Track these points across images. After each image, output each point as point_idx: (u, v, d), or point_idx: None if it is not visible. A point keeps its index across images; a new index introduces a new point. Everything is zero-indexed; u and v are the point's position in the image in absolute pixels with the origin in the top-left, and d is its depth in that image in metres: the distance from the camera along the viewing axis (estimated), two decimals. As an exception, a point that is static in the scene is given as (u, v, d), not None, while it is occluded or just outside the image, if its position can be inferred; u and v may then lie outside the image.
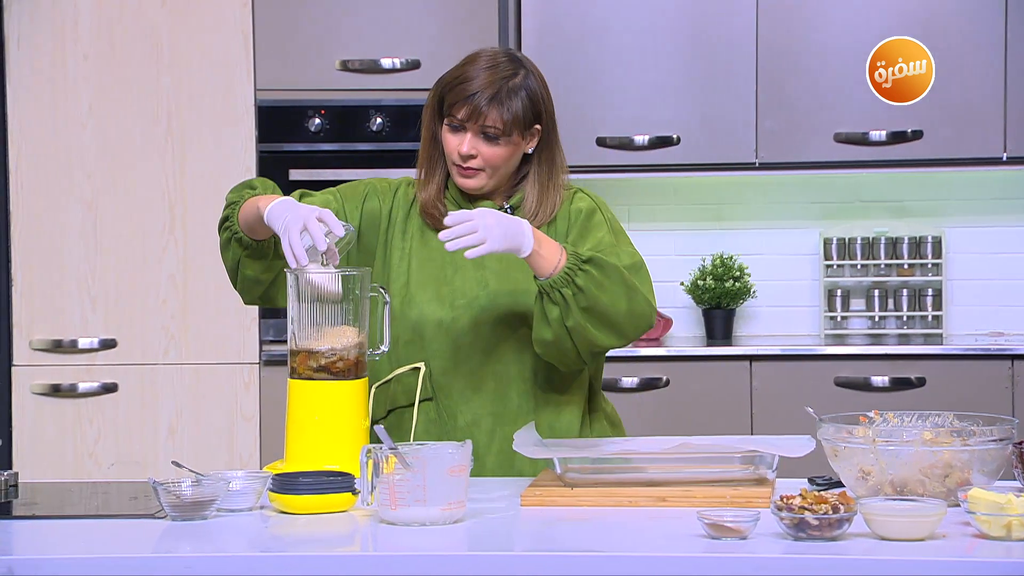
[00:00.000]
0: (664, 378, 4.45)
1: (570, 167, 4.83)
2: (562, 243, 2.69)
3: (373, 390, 2.77)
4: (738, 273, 4.72)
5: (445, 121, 2.74)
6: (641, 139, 4.57)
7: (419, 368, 2.74)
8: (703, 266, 4.77)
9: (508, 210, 2.78)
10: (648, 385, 4.45)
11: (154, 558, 2.13)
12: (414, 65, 4.49)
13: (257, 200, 2.67)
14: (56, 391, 4.46)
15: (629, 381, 4.45)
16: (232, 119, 4.46)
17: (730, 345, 4.56)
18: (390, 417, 2.79)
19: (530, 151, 2.77)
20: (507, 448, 2.69)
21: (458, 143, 2.72)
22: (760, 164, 4.56)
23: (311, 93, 4.48)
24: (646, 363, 4.46)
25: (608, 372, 4.45)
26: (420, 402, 2.75)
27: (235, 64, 4.44)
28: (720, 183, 4.87)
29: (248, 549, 2.21)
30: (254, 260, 2.74)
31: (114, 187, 4.47)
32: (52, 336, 4.47)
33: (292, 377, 2.60)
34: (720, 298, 4.71)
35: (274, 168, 4.47)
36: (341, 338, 2.59)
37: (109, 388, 4.46)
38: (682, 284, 4.81)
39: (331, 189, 2.87)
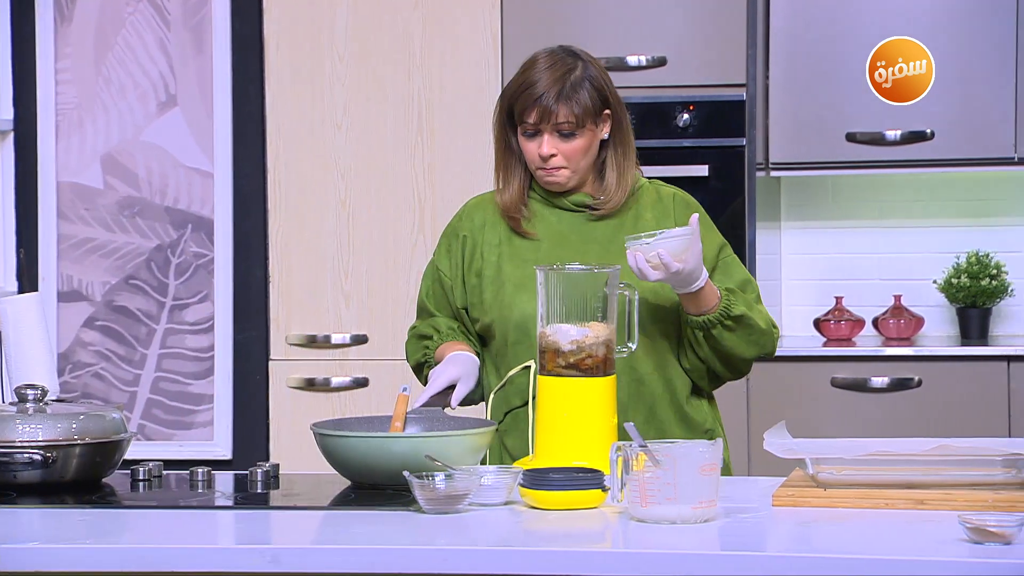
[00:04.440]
0: (916, 378, 4.35)
1: (820, 163, 4.74)
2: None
3: (491, 396, 2.82)
4: (995, 271, 4.59)
5: (520, 129, 2.81)
6: (893, 134, 4.47)
7: (530, 366, 2.76)
8: (957, 264, 4.64)
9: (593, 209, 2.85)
10: (899, 385, 4.35)
11: (413, 550, 2.16)
12: (660, 62, 4.47)
13: (442, 350, 2.84)
14: (311, 385, 4.58)
15: (879, 381, 4.36)
16: (481, 119, 4.51)
17: (986, 345, 4.43)
18: (507, 419, 2.81)
19: (606, 136, 2.82)
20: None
21: (536, 147, 2.79)
22: (1019, 159, 4.42)
23: (557, 92, 4.50)
24: (897, 363, 4.36)
25: (856, 371, 4.37)
26: (534, 399, 2.75)
27: (484, 64, 4.49)
28: (977, 179, 4.73)
29: (502, 543, 2.24)
30: None
31: (367, 186, 4.57)
32: (307, 332, 4.59)
33: (541, 374, 2.62)
34: (975, 296, 4.58)
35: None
36: (589, 335, 2.60)
37: (360, 383, 4.56)
38: (935, 282, 4.69)
39: (436, 266, 2.94)
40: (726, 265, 2.85)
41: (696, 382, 2.86)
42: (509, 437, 2.82)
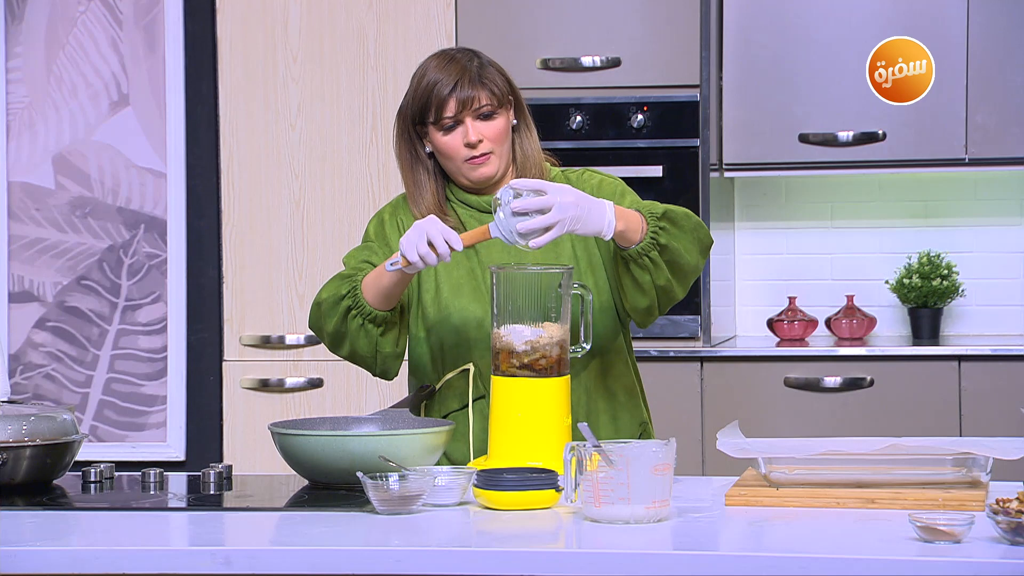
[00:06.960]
0: (868, 378, 4.37)
1: (773, 164, 4.76)
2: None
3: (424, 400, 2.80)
4: (946, 271, 4.62)
5: (434, 130, 2.75)
6: (845, 135, 4.49)
7: (468, 370, 2.75)
8: (909, 264, 4.67)
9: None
10: (852, 385, 4.38)
11: (366, 551, 2.16)
12: (614, 63, 4.48)
13: (373, 274, 2.72)
14: (264, 386, 4.57)
15: (832, 381, 4.38)
16: (435, 118, 4.51)
17: (937, 345, 4.46)
18: None
19: (515, 122, 2.80)
20: None
21: (461, 137, 2.74)
22: (970, 160, 4.45)
23: (512, 92, 4.50)
24: (850, 363, 4.39)
25: (809, 371, 4.39)
26: (474, 401, 2.75)
27: (438, 64, 4.49)
28: (928, 180, 4.77)
29: (455, 544, 2.24)
30: (388, 333, 2.75)
31: (321, 187, 4.56)
32: (261, 332, 4.57)
33: (495, 374, 2.63)
34: (927, 297, 4.61)
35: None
36: (543, 336, 2.61)
37: (315, 383, 4.55)
38: (887, 283, 4.72)
39: (368, 243, 2.88)
40: (619, 196, 2.78)
41: (647, 321, 2.75)
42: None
